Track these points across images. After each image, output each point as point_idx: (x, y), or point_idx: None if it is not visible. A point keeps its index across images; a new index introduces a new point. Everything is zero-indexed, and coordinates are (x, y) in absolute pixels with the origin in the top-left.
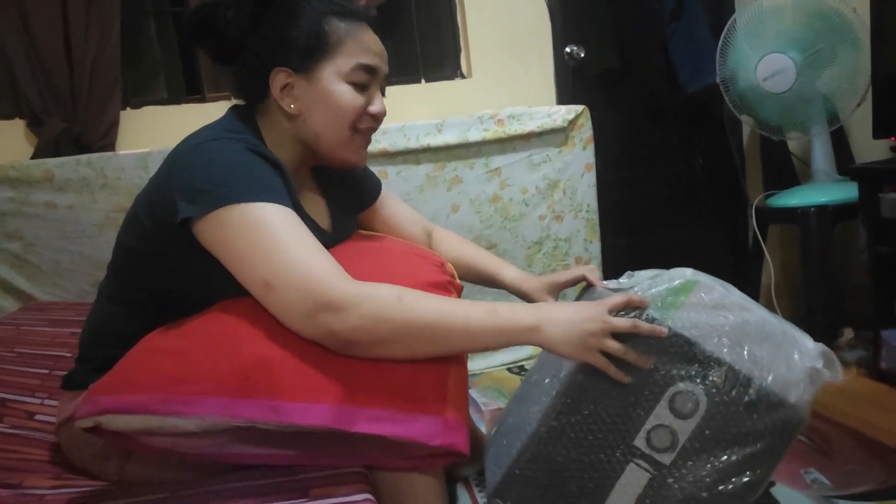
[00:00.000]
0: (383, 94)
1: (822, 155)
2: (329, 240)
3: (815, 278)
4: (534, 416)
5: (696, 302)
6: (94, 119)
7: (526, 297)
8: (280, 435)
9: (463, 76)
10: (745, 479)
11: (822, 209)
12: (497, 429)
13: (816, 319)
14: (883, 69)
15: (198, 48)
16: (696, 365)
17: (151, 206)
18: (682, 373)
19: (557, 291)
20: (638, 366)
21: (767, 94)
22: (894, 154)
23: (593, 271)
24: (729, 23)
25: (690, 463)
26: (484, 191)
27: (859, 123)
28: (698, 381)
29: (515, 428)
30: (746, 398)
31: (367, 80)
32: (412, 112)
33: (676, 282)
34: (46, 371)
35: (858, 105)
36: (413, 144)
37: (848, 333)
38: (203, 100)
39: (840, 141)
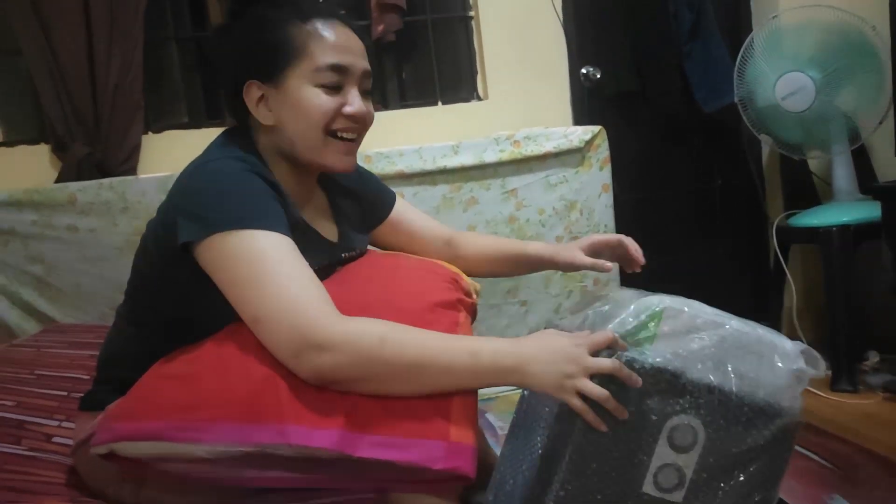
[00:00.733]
0: (368, 91)
1: (843, 174)
2: (335, 251)
3: (839, 300)
4: (533, 469)
5: (668, 331)
6: (116, 143)
7: (560, 265)
8: (292, 459)
9: (479, 98)
10: (758, 498)
11: (844, 229)
12: (499, 464)
13: (840, 342)
14: None
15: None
16: (687, 396)
17: (157, 231)
18: (675, 407)
19: (593, 251)
20: (615, 415)
21: (786, 112)
22: None
23: (631, 241)
24: (746, 41)
25: (703, 494)
26: (500, 212)
27: (881, 141)
28: (692, 411)
29: (520, 475)
30: (743, 417)
31: (339, 80)
32: (429, 134)
33: (643, 315)
34: (65, 393)
35: (880, 123)
36: (429, 166)
37: (873, 357)
38: (223, 124)
39: (862, 159)
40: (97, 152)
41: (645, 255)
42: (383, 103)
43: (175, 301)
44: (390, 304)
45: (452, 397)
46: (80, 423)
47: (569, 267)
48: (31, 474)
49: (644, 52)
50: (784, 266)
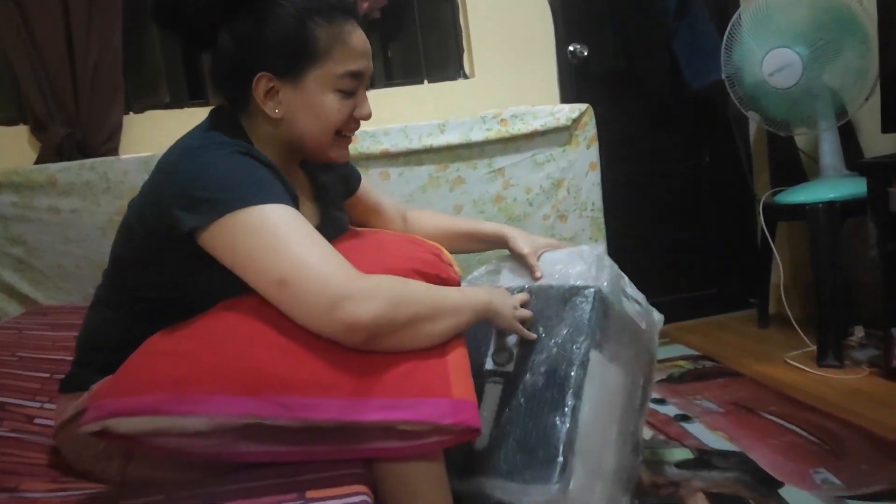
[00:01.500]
0: (366, 89)
1: (830, 150)
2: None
3: (825, 276)
4: None
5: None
6: (96, 124)
7: (507, 243)
8: (286, 431)
9: (466, 76)
10: (575, 346)
11: (830, 205)
12: None
13: (826, 318)
14: (891, 62)
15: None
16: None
17: (144, 216)
18: None
19: (537, 248)
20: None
21: (774, 89)
22: None
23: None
24: (734, 17)
25: (527, 359)
26: (487, 191)
27: (868, 118)
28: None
29: None
30: (561, 298)
31: (355, 86)
32: (415, 113)
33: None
34: (47, 375)
35: (867, 99)
36: (415, 145)
37: (858, 332)
38: (206, 104)
39: (848, 136)
40: (77, 133)
41: (632, 232)
42: (368, 81)
43: (161, 285)
44: (387, 272)
45: (447, 358)
46: (62, 404)
47: (517, 255)
48: (12, 455)
49: (631, 29)
50: (771, 243)
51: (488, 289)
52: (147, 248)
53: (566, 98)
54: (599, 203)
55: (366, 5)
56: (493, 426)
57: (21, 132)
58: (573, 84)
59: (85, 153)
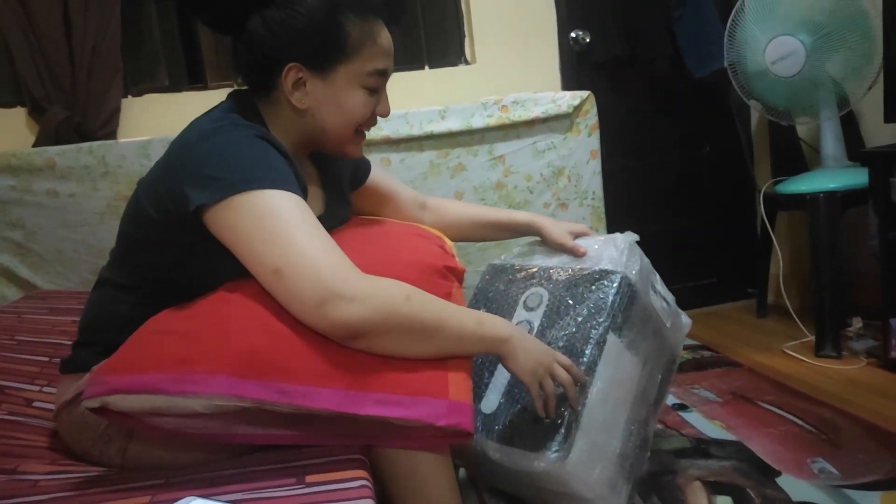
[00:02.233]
0: None
1: (831, 140)
2: (322, 221)
3: (824, 266)
4: None
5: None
6: (95, 107)
7: (546, 239)
8: (286, 416)
9: (467, 62)
10: (595, 329)
11: (831, 195)
12: None
13: (825, 308)
14: (895, 51)
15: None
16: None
17: (157, 195)
18: (530, 283)
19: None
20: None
21: (776, 77)
22: None
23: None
24: (737, 4)
25: (547, 333)
26: (488, 178)
27: (870, 107)
28: (539, 285)
29: None
30: (586, 280)
31: (380, 84)
32: (416, 99)
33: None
34: (46, 359)
35: (870, 89)
36: (416, 131)
37: (857, 323)
38: (206, 87)
39: (850, 126)
40: (75, 116)
41: (632, 221)
42: None
43: (171, 265)
44: (391, 268)
45: (447, 361)
46: (63, 385)
47: (553, 243)
48: (11, 438)
49: (634, 15)
50: (771, 233)
51: (517, 329)
52: (155, 227)
53: (567, 85)
54: (600, 192)
55: None
56: (504, 394)
57: (19, 114)
58: (575, 71)
59: (83, 136)
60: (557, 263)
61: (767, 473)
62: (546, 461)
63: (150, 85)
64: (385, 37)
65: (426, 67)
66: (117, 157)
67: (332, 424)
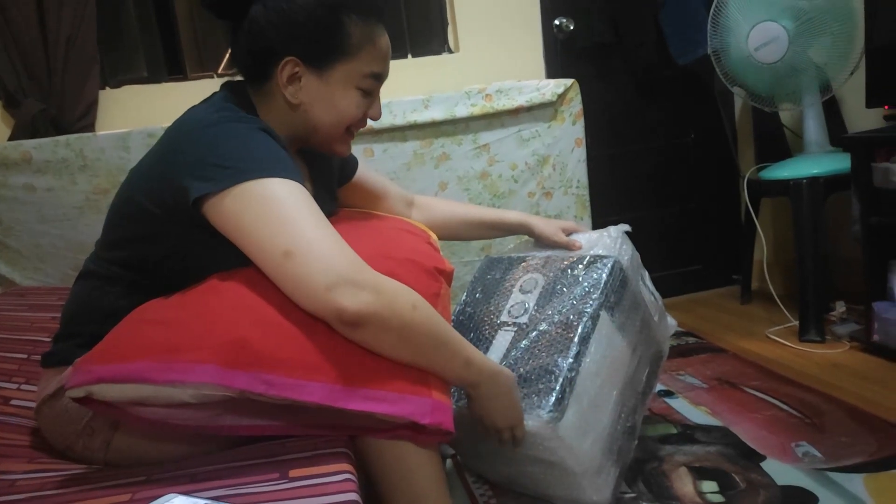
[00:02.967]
0: None
1: (814, 125)
2: None
3: (808, 251)
4: None
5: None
6: (71, 99)
7: (538, 237)
8: (272, 406)
9: (450, 51)
10: (589, 304)
11: (814, 181)
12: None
13: (808, 293)
14: (877, 36)
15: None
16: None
17: (151, 187)
18: (525, 268)
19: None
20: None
21: (759, 64)
22: (888, 123)
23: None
24: None
25: (543, 311)
26: (472, 167)
27: (852, 93)
28: (535, 271)
29: None
30: (581, 264)
31: (374, 87)
32: (399, 88)
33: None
34: (25, 356)
35: (851, 74)
36: (399, 121)
37: (840, 307)
38: (185, 78)
39: (833, 111)
40: (51, 108)
41: (617, 208)
42: None
43: (163, 257)
44: (382, 264)
45: None
46: (44, 380)
47: (546, 240)
48: None
49: (618, 2)
50: (755, 219)
51: (504, 373)
52: (148, 217)
53: (552, 72)
54: (585, 180)
55: None
56: (502, 357)
57: None
58: (559, 59)
59: (60, 129)
60: (553, 254)
61: (752, 458)
62: (539, 421)
63: (128, 76)
64: (385, 41)
65: (409, 56)
66: (96, 150)
67: (318, 415)
